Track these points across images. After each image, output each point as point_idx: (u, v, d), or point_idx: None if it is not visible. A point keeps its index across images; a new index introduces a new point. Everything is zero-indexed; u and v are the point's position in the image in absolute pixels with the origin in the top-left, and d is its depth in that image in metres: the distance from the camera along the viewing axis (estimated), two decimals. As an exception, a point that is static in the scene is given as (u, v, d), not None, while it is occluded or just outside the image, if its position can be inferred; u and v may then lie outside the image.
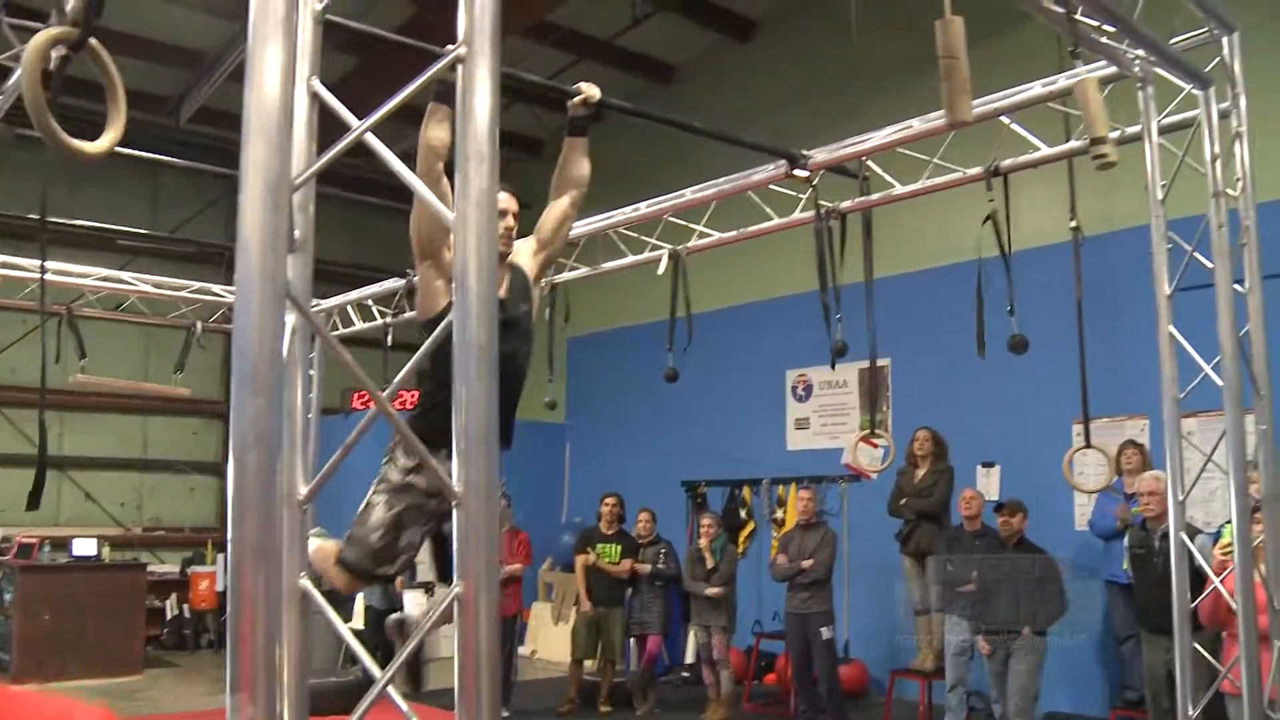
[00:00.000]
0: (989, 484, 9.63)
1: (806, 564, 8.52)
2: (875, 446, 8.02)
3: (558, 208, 4.12)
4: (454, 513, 1.83)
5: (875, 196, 6.16)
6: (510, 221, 3.90)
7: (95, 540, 11.09)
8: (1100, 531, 8.07)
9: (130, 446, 13.76)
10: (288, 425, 1.93)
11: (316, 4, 2.04)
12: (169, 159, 12.24)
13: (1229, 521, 4.55)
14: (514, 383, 3.95)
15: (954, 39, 3.01)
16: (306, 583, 1.95)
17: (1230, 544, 4.52)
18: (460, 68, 1.82)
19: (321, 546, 3.83)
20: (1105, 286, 7.16)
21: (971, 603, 7.66)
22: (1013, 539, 7.66)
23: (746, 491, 11.14)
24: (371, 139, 1.90)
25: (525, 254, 4.06)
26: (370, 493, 3.80)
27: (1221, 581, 4.63)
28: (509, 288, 3.90)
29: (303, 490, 1.96)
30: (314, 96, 1.99)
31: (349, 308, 9.21)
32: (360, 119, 1.88)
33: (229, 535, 1.57)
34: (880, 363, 9.75)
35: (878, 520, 9.05)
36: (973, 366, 6.32)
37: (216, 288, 9.67)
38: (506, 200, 3.88)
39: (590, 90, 4.21)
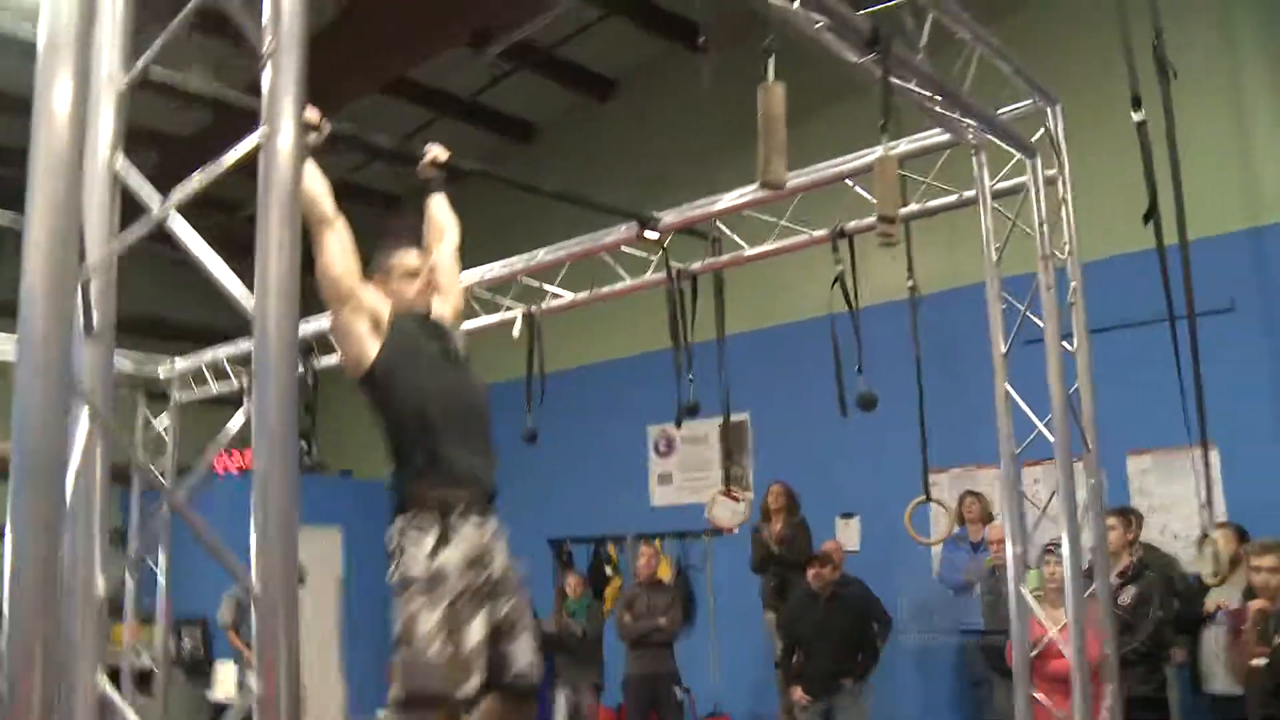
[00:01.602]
0: (849, 534, 9.79)
1: (662, 621, 8.51)
2: (736, 500, 8.11)
3: (444, 255, 4.08)
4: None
5: (725, 258, 6.26)
6: (423, 281, 3.79)
7: None
8: (950, 584, 8.27)
9: None
10: (84, 514, 1.85)
11: (120, 76, 1.98)
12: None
13: (1035, 568, 4.73)
14: (482, 410, 3.75)
15: (774, 104, 3.09)
16: (109, 689, 1.85)
17: (1036, 588, 4.70)
18: (261, 153, 1.78)
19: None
20: (954, 338, 7.39)
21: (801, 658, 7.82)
22: (825, 591, 7.78)
23: (611, 548, 11.11)
24: (176, 221, 1.85)
25: (438, 307, 3.92)
26: (402, 605, 3.28)
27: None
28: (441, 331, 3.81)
29: (100, 584, 1.87)
30: (115, 174, 1.92)
31: (203, 368, 8.92)
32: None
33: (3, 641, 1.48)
34: (739, 417, 9.88)
35: (742, 573, 9.11)
36: (831, 419, 6.43)
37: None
38: (419, 258, 3.82)
39: (437, 152, 4.21)
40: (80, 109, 1.61)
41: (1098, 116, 7.25)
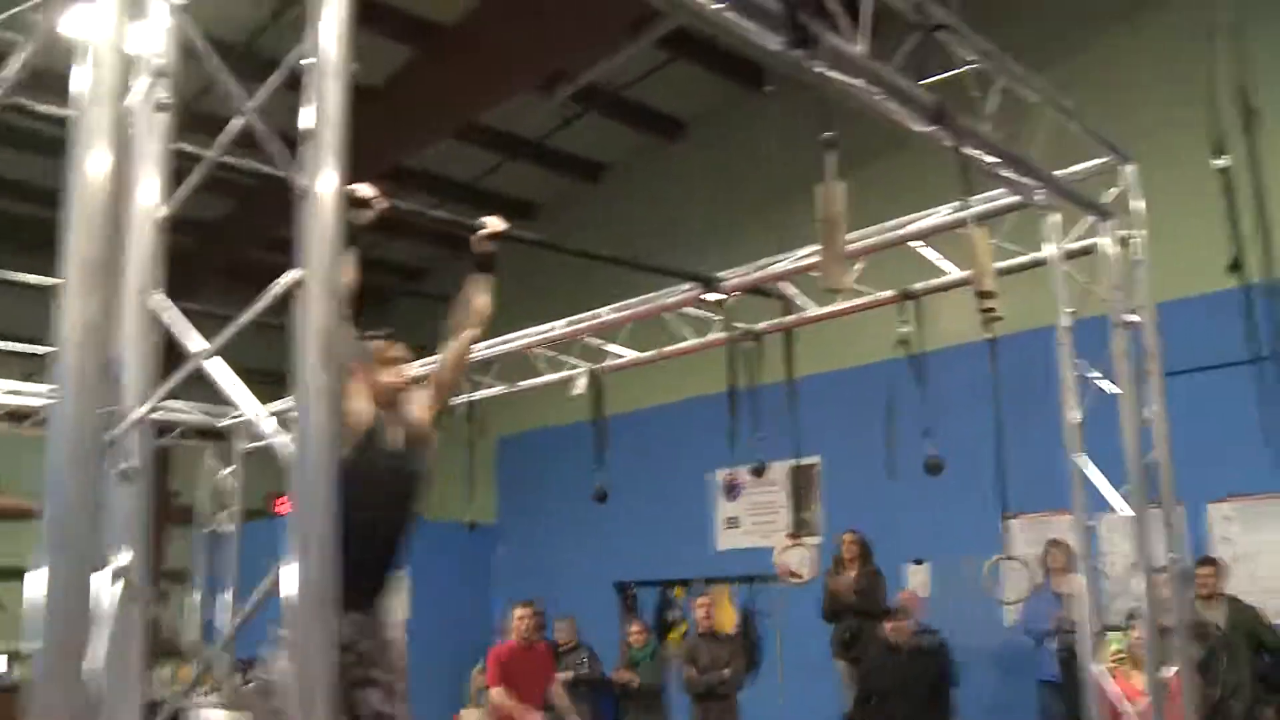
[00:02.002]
0: (919, 581, 9.59)
1: (726, 673, 8.40)
2: (804, 547, 7.99)
3: (456, 350, 4.08)
4: None
5: (789, 319, 6.17)
6: (405, 374, 3.89)
7: (4, 657, 10.60)
8: (1032, 634, 8.03)
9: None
10: (121, 674, 1.82)
11: (159, 209, 1.95)
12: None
13: (1117, 629, 4.56)
14: (406, 520, 3.88)
15: (834, 205, 2.98)
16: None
17: (1119, 651, 4.52)
18: (298, 293, 1.75)
19: None
20: (1027, 380, 7.20)
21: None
22: (905, 643, 7.62)
23: (678, 592, 11.00)
24: (212, 366, 1.81)
25: (420, 406, 3.97)
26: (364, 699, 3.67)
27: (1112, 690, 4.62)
28: (405, 440, 3.84)
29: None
30: (154, 313, 1.90)
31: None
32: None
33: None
34: (809, 461, 9.75)
35: (811, 620, 8.96)
36: (903, 464, 6.30)
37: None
38: (401, 351, 3.89)
39: (494, 224, 4.17)
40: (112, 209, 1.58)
41: (1167, 157, 7.05)
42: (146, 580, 1.73)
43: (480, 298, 4.07)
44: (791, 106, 7.80)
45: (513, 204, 12.32)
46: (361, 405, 3.72)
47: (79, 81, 1.63)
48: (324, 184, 1.77)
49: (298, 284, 1.74)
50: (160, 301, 1.88)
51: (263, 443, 5.71)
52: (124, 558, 1.71)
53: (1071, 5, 9.08)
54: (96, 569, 1.53)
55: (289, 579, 1.70)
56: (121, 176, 1.65)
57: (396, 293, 13.58)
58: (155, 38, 1.99)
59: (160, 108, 1.97)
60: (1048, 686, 7.91)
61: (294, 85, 1.91)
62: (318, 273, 1.74)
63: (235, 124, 1.92)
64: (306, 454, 1.71)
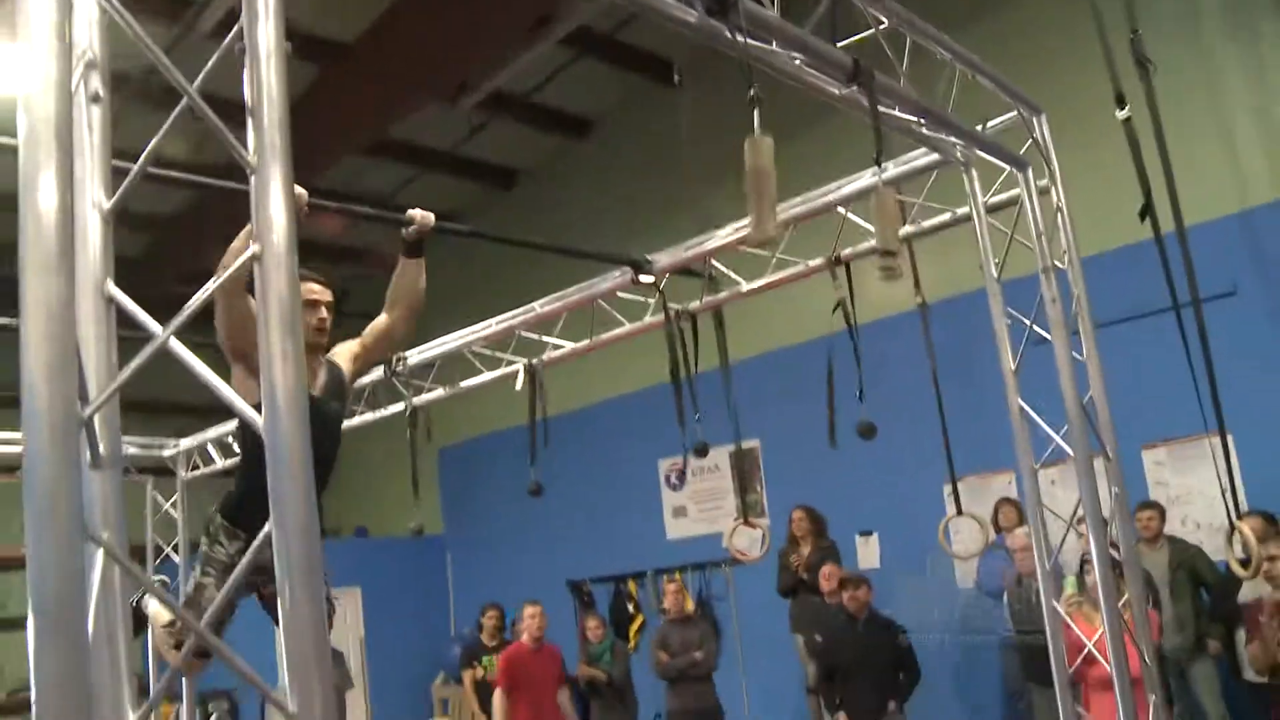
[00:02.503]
0: (869, 553, 9.72)
1: (699, 655, 8.43)
2: (754, 528, 8.05)
3: (385, 322, 4.04)
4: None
5: (723, 295, 6.24)
6: (324, 314, 3.81)
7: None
8: (989, 590, 8.18)
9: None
10: (109, 650, 1.82)
11: (104, 202, 1.95)
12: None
13: (1073, 575, 4.66)
14: (320, 474, 3.86)
15: (764, 158, 3.04)
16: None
17: (1072, 595, 4.62)
18: (256, 266, 1.75)
19: (157, 616, 3.64)
20: (960, 345, 7.34)
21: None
22: (861, 613, 7.71)
23: (632, 585, 11.05)
24: (175, 345, 1.81)
25: (344, 355, 3.97)
26: (198, 574, 3.76)
27: (1072, 634, 4.74)
28: (324, 385, 3.82)
29: (132, 718, 1.83)
30: (110, 301, 1.89)
31: (209, 446, 8.90)
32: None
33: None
34: (749, 444, 9.84)
35: (766, 600, 9.04)
36: (841, 438, 6.38)
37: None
38: (319, 291, 3.82)
39: (424, 219, 4.15)
40: (69, 265, 1.58)
41: (1078, 113, 7.25)
42: (128, 558, 1.73)
43: (410, 279, 4.05)
44: (701, 95, 7.92)
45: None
46: None
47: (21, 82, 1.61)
48: (270, 156, 1.78)
49: (255, 257, 1.75)
50: (115, 290, 1.87)
51: (205, 471, 5.62)
52: (103, 536, 1.71)
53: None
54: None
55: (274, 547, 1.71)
56: (66, 172, 1.63)
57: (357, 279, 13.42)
58: (85, 31, 1.99)
59: (95, 99, 1.97)
60: (1006, 645, 8.08)
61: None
62: (273, 244, 1.75)
63: (177, 108, 1.92)
64: (276, 422, 1.72)
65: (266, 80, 1.86)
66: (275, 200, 1.80)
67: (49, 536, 1.49)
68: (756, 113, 3.11)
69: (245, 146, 1.84)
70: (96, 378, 1.83)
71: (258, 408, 3.44)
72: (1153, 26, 6.60)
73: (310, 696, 1.71)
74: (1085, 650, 4.71)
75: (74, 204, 1.87)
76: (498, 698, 8.00)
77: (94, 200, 1.95)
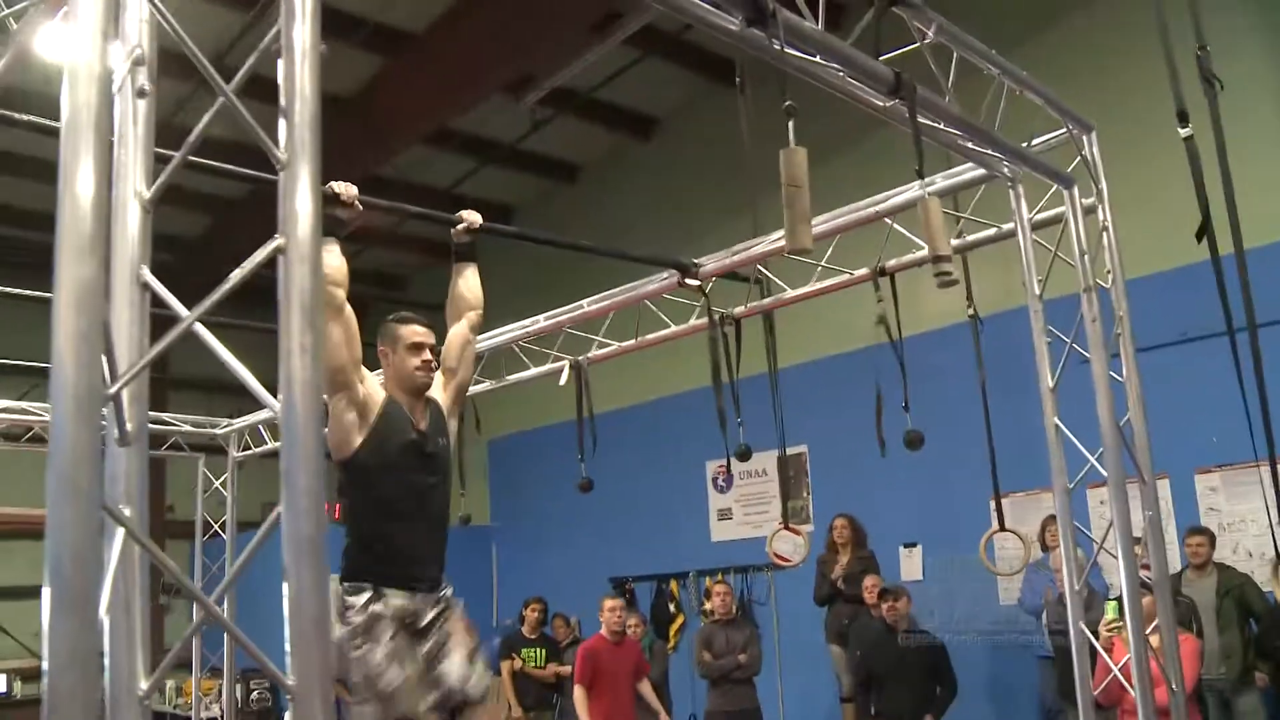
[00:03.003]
0: (911, 565, 9.69)
1: (742, 658, 8.45)
2: (797, 534, 8.06)
3: (458, 334, 4.13)
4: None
5: (767, 301, 6.27)
6: (428, 356, 3.89)
7: (4, 676, 10.69)
8: (1030, 608, 8.13)
9: (39, 573, 13.35)
10: (125, 620, 1.90)
11: (145, 193, 2.04)
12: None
13: (1114, 598, 4.62)
14: (440, 511, 3.96)
15: (797, 169, 3.08)
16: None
17: (1114, 620, 4.59)
18: (281, 259, 1.83)
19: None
20: (1011, 360, 7.29)
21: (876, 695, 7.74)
22: (900, 624, 7.70)
23: (674, 585, 11.10)
24: (200, 329, 1.90)
25: (436, 388, 4.03)
26: (350, 652, 3.57)
27: (1114, 660, 4.70)
28: (428, 421, 3.89)
29: (143, 685, 1.92)
30: (144, 287, 1.98)
31: (260, 428, 9.08)
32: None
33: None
34: (796, 450, 9.86)
35: (806, 607, 9.05)
36: (889, 448, 6.38)
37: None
38: (424, 334, 3.90)
39: (471, 218, 4.26)
40: (100, 248, 1.66)
41: (1135, 133, 7.18)
42: (147, 534, 1.81)
43: (467, 285, 4.15)
44: (762, 99, 7.92)
45: (489, 208, 12.36)
46: (375, 389, 3.78)
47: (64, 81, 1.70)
48: (300, 153, 1.85)
49: (280, 250, 1.83)
50: (149, 275, 1.96)
51: (256, 451, 5.76)
52: (124, 511, 1.79)
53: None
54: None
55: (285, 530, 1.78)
56: (105, 163, 1.72)
57: (376, 300, 13.68)
58: (132, 26, 2.08)
59: (141, 94, 2.06)
60: (1045, 662, 8.01)
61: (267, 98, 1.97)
62: (297, 238, 1.83)
63: (215, 106, 2.00)
64: (291, 410, 1.79)
65: (300, 79, 1.93)
66: (303, 195, 1.87)
67: (68, 509, 1.57)
68: (791, 124, 3.15)
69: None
70: (128, 358, 1.92)
71: (360, 450, 3.60)
72: (1219, 42, 6.51)
73: (310, 673, 1.77)
74: (1111, 674, 4.68)
75: (115, 192, 1.98)
76: (578, 693, 7.93)
77: (135, 189, 2.04)
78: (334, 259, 3.58)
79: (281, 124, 1.89)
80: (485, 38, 9.27)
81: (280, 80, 1.94)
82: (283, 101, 1.92)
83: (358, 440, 3.71)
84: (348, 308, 3.64)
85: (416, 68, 9.90)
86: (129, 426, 1.91)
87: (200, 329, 1.90)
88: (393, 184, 11.70)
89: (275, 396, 1.81)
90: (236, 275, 1.92)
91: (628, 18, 9.46)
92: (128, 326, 1.93)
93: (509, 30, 9.11)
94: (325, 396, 3.64)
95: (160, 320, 2.01)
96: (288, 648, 1.82)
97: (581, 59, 10.04)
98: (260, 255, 1.86)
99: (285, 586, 1.79)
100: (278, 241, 1.84)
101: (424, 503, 3.84)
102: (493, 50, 9.42)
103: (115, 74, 2.01)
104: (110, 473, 1.89)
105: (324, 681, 1.79)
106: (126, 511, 1.83)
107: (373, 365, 4.01)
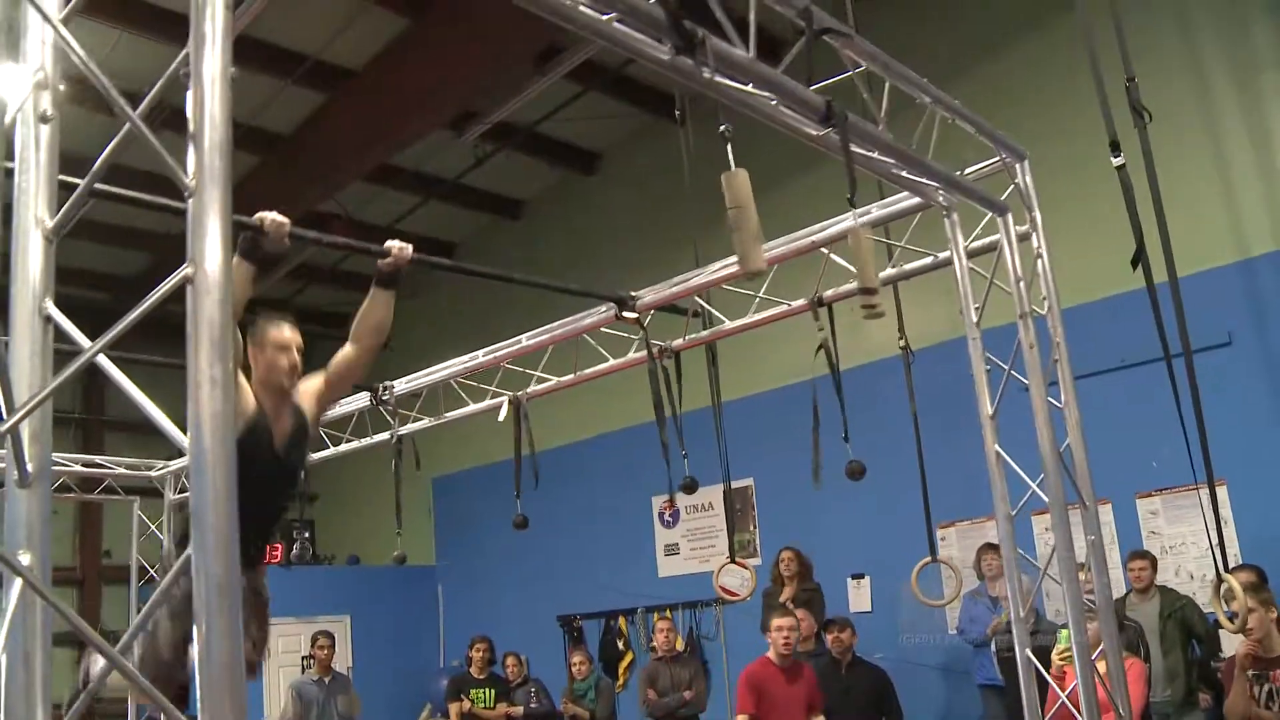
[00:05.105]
0: (860, 596, 9.67)
1: (688, 695, 8.36)
2: (743, 568, 8.02)
3: (351, 354, 4.01)
4: None
5: (705, 333, 6.24)
6: (296, 357, 3.79)
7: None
8: (970, 639, 8.12)
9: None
10: (23, 673, 1.81)
11: (47, 221, 1.96)
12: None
13: (1064, 626, 4.61)
14: (270, 515, 3.97)
15: (740, 191, 3.06)
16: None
17: (1066, 649, 4.58)
18: (189, 289, 1.76)
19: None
20: (953, 389, 7.35)
21: None
22: (846, 656, 7.66)
23: (622, 622, 11.00)
24: (105, 363, 1.83)
25: (309, 395, 3.94)
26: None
27: (1063, 687, 4.69)
28: (289, 434, 3.81)
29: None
30: (47, 319, 1.90)
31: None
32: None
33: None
34: (742, 483, 9.82)
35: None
36: (835, 479, 6.35)
37: (59, 455, 9.29)
38: (291, 336, 3.80)
39: (401, 251, 4.16)
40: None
41: (1072, 162, 7.27)
42: (48, 582, 1.73)
43: (380, 311, 4.05)
44: (704, 133, 7.95)
45: (432, 244, 12.37)
46: (245, 394, 3.66)
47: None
48: (209, 179, 1.79)
49: (188, 279, 1.76)
50: (53, 308, 1.89)
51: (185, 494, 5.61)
52: (23, 559, 1.71)
53: (972, 23, 9.34)
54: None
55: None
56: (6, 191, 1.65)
57: (318, 339, 13.52)
58: (35, 49, 2.02)
59: (44, 119, 1.99)
60: (989, 690, 7.99)
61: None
62: (206, 266, 1.76)
63: (121, 131, 1.93)
64: (201, 447, 1.72)
65: (210, 106, 1.87)
66: (212, 224, 1.81)
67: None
68: (730, 147, 3.13)
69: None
70: (29, 393, 1.84)
71: (248, 422, 3.50)
72: (1151, 75, 6.63)
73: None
74: (1059, 702, 4.67)
75: (16, 220, 1.90)
76: None
77: (37, 217, 1.96)
78: (239, 281, 3.51)
79: (190, 150, 1.83)
80: (426, 73, 9.25)
81: (189, 106, 1.88)
82: (191, 127, 1.86)
83: (249, 408, 3.68)
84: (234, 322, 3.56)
85: (357, 104, 9.84)
86: (30, 466, 1.83)
87: (105, 362, 1.83)
88: (334, 220, 11.60)
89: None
90: (142, 306, 1.85)
91: (568, 52, 9.48)
92: (28, 360, 1.85)
93: (450, 66, 9.09)
94: None
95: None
96: (197, 696, 1.74)
97: (523, 94, 10.05)
98: (168, 285, 1.79)
99: (194, 632, 1.71)
100: (186, 271, 1.78)
101: (266, 500, 3.84)
102: (434, 86, 9.40)
103: (14, 98, 1.94)
104: (9, 517, 1.81)
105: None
106: (26, 559, 1.74)
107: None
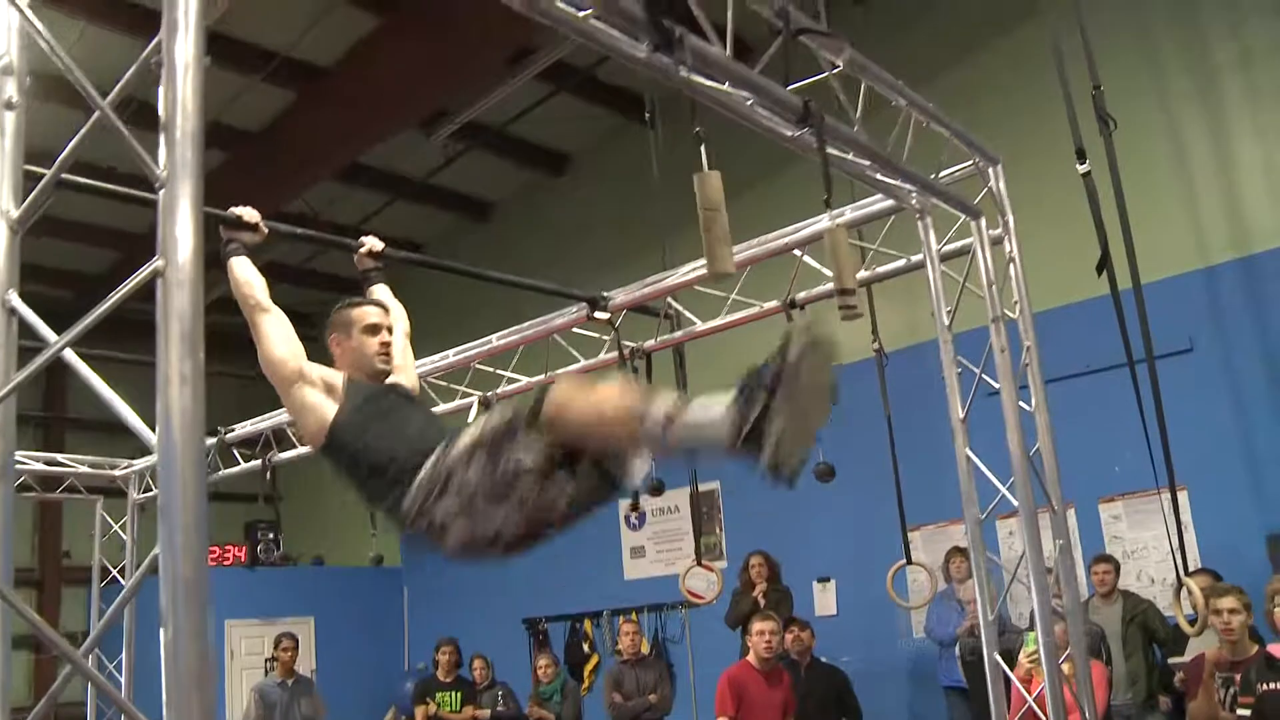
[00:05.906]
0: (826, 599, 9.68)
1: (653, 698, 8.34)
2: (709, 570, 8.00)
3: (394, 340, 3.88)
4: None
5: (678, 334, 6.23)
6: (386, 337, 3.54)
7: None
8: (939, 639, 8.14)
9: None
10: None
11: (12, 211, 1.92)
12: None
13: (1032, 629, 4.63)
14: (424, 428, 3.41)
15: (712, 192, 3.04)
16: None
17: (1035, 652, 4.60)
18: (159, 282, 1.72)
19: None
20: (923, 393, 7.37)
21: None
22: (804, 658, 7.66)
23: (588, 625, 10.97)
24: (70, 355, 1.78)
25: (412, 376, 3.80)
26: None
27: (1029, 691, 4.70)
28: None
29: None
30: (11, 312, 1.86)
31: (214, 455, 8.67)
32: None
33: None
34: (708, 486, 9.81)
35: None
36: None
37: (20, 454, 9.13)
38: (380, 314, 3.59)
39: (372, 244, 4.15)
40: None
41: (1042, 168, 7.31)
42: (10, 581, 1.68)
43: (383, 301, 3.97)
44: (674, 134, 7.95)
45: (400, 244, 12.19)
46: (331, 372, 3.44)
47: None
48: (181, 170, 1.75)
49: (158, 272, 1.73)
50: (17, 300, 1.84)
51: (157, 493, 5.54)
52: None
53: (946, 28, 9.39)
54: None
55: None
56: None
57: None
58: (3, 36, 1.97)
59: (9, 106, 1.94)
60: (954, 693, 8.02)
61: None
62: (177, 259, 1.72)
63: (91, 119, 1.89)
64: (170, 444, 1.68)
65: (182, 94, 1.83)
66: (183, 216, 1.77)
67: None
68: (703, 149, 3.12)
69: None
70: (-9, 385, 1.79)
71: (335, 425, 3.27)
72: (1116, 84, 6.68)
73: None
74: (1025, 705, 4.68)
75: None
76: None
77: (2, 208, 1.92)
78: (248, 272, 3.43)
79: (162, 140, 1.79)
80: (396, 72, 9.18)
81: (160, 96, 1.84)
82: (163, 116, 1.82)
83: (332, 409, 3.33)
84: (275, 307, 3.40)
85: (326, 102, 9.75)
86: (-8, 460, 1.79)
87: (71, 357, 1.78)
88: (301, 219, 11.50)
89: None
90: (111, 299, 1.80)
91: (540, 53, 9.45)
92: (-8, 354, 1.80)
93: (420, 64, 9.02)
94: (284, 396, 3.37)
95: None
96: (164, 698, 1.70)
97: (494, 94, 10.00)
98: (138, 278, 1.75)
99: (161, 633, 1.67)
100: (156, 264, 1.74)
101: (406, 420, 3.39)
102: (404, 84, 9.34)
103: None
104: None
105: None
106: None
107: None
